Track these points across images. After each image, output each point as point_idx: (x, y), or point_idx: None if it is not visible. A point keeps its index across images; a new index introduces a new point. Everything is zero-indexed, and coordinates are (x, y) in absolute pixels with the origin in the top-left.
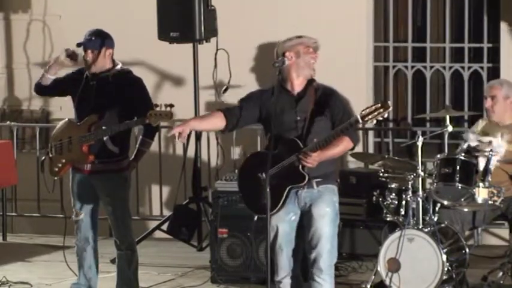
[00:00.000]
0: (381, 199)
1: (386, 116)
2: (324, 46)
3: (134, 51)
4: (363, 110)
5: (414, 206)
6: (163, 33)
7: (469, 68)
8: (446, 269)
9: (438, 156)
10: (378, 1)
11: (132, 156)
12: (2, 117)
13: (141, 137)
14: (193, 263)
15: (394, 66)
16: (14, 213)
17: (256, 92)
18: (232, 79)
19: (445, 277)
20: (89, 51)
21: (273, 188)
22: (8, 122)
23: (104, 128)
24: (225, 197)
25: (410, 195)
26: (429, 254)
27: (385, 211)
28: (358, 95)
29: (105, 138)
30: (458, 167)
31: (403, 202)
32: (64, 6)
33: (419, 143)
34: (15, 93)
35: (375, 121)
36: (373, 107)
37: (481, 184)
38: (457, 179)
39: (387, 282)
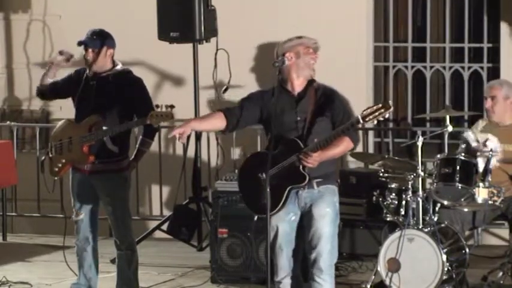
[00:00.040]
0: (380, 199)
1: (387, 116)
2: (324, 46)
3: (134, 51)
4: (364, 110)
5: (414, 206)
6: (163, 33)
7: (469, 68)
8: (446, 269)
9: (438, 156)
10: (378, 1)
11: (132, 156)
12: (2, 117)
13: (141, 137)
14: (193, 263)
15: (394, 66)
16: (14, 213)
17: (257, 92)
18: (232, 79)
19: (445, 277)
20: (90, 50)
21: (273, 188)
22: (8, 122)
23: (104, 128)
24: (225, 197)
25: (410, 195)
26: (429, 254)
27: (385, 211)
28: (358, 95)
29: (105, 138)
30: (458, 167)
31: (403, 202)
32: (64, 6)
33: (419, 143)
34: (15, 93)
35: (375, 121)
36: (374, 107)
37: (481, 184)
38: (457, 179)
39: (387, 282)
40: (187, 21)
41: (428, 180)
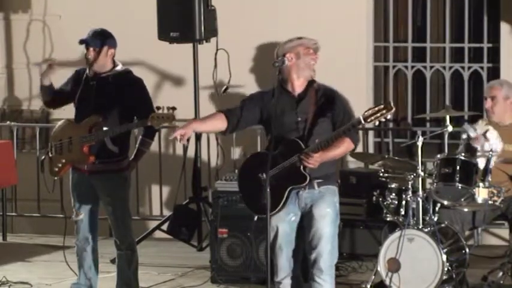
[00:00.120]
0: (380, 199)
1: (389, 117)
2: (324, 46)
3: (134, 51)
4: (366, 111)
5: (414, 206)
6: (163, 33)
7: (469, 68)
8: (446, 269)
9: (438, 156)
10: (378, 1)
11: (132, 156)
12: (2, 117)
13: (141, 137)
14: (193, 263)
15: (394, 66)
16: (14, 213)
17: (257, 93)
18: (232, 79)
19: (445, 277)
20: (91, 49)
21: (273, 188)
22: (8, 122)
23: (105, 129)
24: (225, 197)
25: (410, 195)
26: (429, 254)
27: (385, 211)
28: (358, 95)
29: (105, 139)
30: (458, 167)
31: (403, 202)
32: (64, 6)
33: (419, 143)
34: (15, 93)
35: (377, 122)
36: (376, 108)
37: (481, 184)
38: (457, 179)
39: (387, 282)
40: (187, 21)
41: (428, 180)
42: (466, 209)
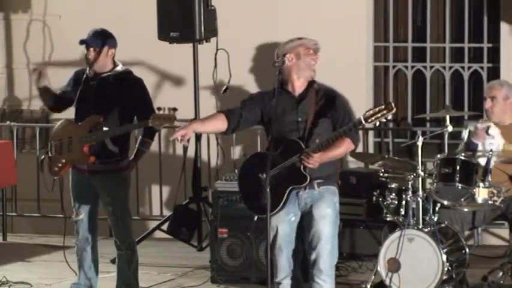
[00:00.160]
0: (380, 199)
1: (390, 117)
2: (324, 46)
3: (134, 51)
4: (367, 112)
5: (414, 206)
6: (163, 33)
7: (469, 68)
8: (446, 269)
9: (438, 156)
10: (378, 1)
11: (132, 156)
12: (2, 117)
13: (140, 137)
14: (193, 263)
15: (394, 66)
16: (14, 213)
17: (258, 93)
18: (232, 79)
19: (445, 277)
20: (91, 49)
21: (273, 188)
22: (8, 122)
23: (105, 129)
24: (225, 197)
25: (410, 195)
26: (429, 254)
27: (385, 211)
28: (358, 95)
29: (105, 139)
30: (458, 167)
31: (403, 202)
32: (64, 6)
33: (419, 143)
34: (15, 93)
35: (378, 123)
36: (377, 109)
37: (481, 184)
38: (457, 179)
39: (387, 282)
40: (187, 21)
41: (428, 180)
42: (466, 209)
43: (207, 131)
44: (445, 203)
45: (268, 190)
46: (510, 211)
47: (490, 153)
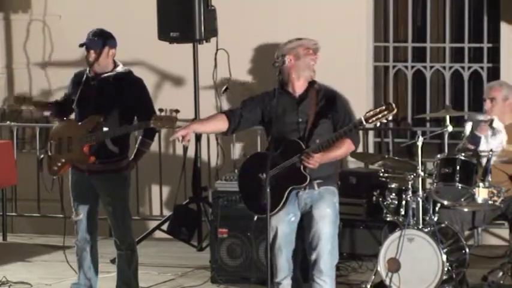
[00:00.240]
0: (380, 199)
1: (390, 118)
2: (324, 46)
3: (134, 51)
4: (367, 112)
5: (414, 206)
6: (163, 33)
7: (469, 68)
8: (446, 269)
9: (438, 156)
10: (378, 1)
11: (132, 156)
12: (2, 117)
13: (140, 137)
14: (193, 263)
15: (394, 66)
16: (14, 213)
17: (258, 94)
18: (232, 79)
19: (445, 277)
20: (92, 52)
21: (273, 188)
22: (8, 122)
23: (105, 129)
24: (225, 197)
25: (410, 195)
26: (429, 254)
27: (385, 211)
28: (358, 95)
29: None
30: (458, 167)
31: (403, 202)
32: (64, 6)
33: (419, 143)
34: (15, 93)
35: (378, 123)
36: (378, 110)
37: (481, 184)
38: (457, 179)
39: (387, 282)
40: (187, 21)
41: (428, 180)
42: (466, 209)
43: (208, 131)
44: (445, 203)
45: (268, 190)
46: (510, 211)
47: (490, 153)
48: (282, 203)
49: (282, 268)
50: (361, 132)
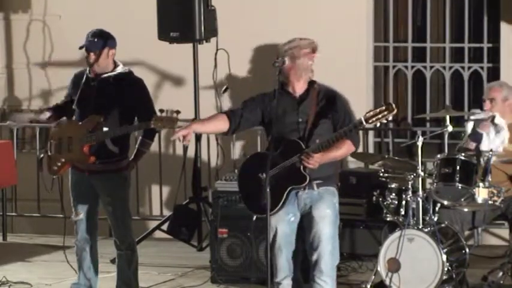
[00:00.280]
0: (380, 199)
1: (390, 118)
2: (324, 46)
3: (134, 51)
4: (367, 112)
5: (414, 206)
6: (163, 33)
7: (469, 68)
8: (446, 269)
9: (438, 156)
10: (378, 1)
11: (132, 157)
12: (2, 117)
13: (140, 137)
14: (193, 263)
15: (394, 66)
16: (14, 213)
17: (258, 95)
18: (232, 79)
19: (445, 277)
20: (92, 54)
21: (273, 188)
22: (8, 122)
23: (105, 129)
24: (225, 197)
25: (410, 195)
26: (429, 254)
27: (385, 211)
28: (358, 95)
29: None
30: (458, 167)
31: (403, 202)
32: (64, 6)
33: (419, 143)
34: (15, 93)
35: (378, 124)
36: (378, 110)
37: (481, 184)
38: (457, 179)
39: (387, 282)
40: (187, 21)
41: (428, 180)
42: (466, 209)
43: (208, 132)
44: (445, 203)
45: (268, 190)
46: (510, 211)
47: (490, 153)
48: (281, 203)
49: (282, 268)
50: (361, 132)
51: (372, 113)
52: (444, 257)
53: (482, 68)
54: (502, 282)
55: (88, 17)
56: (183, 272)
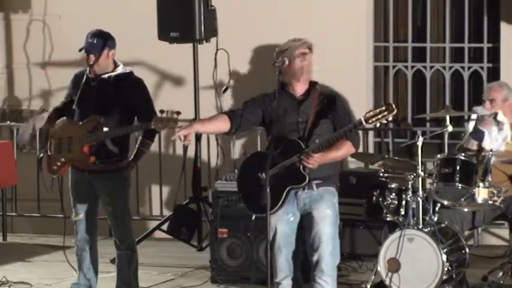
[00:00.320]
0: (380, 199)
1: (390, 118)
2: (324, 46)
3: (134, 51)
4: (367, 113)
5: (414, 206)
6: (163, 33)
7: (469, 68)
8: (446, 269)
9: (438, 156)
10: (378, 1)
11: (132, 157)
12: (2, 117)
13: (140, 137)
14: (193, 263)
15: (394, 66)
16: (14, 213)
17: (259, 95)
18: (232, 79)
19: (445, 277)
20: (92, 55)
21: (272, 187)
22: (8, 122)
23: (105, 129)
24: (225, 197)
25: (410, 195)
26: (429, 254)
27: (385, 211)
28: (358, 95)
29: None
30: (458, 167)
31: (403, 202)
32: (64, 6)
33: (419, 143)
34: (15, 93)
35: (378, 124)
36: (378, 110)
37: (481, 184)
38: (457, 179)
39: (387, 282)
40: (187, 21)
41: (428, 180)
42: (466, 209)
43: (209, 132)
44: (445, 203)
45: (268, 190)
46: (510, 211)
47: (490, 153)
48: (280, 202)
49: (282, 268)
50: (361, 132)
51: (371, 113)
52: (444, 257)
53: (482, 68)
54: (502, 282)
55: (88, 17)
56: (183, 272)
